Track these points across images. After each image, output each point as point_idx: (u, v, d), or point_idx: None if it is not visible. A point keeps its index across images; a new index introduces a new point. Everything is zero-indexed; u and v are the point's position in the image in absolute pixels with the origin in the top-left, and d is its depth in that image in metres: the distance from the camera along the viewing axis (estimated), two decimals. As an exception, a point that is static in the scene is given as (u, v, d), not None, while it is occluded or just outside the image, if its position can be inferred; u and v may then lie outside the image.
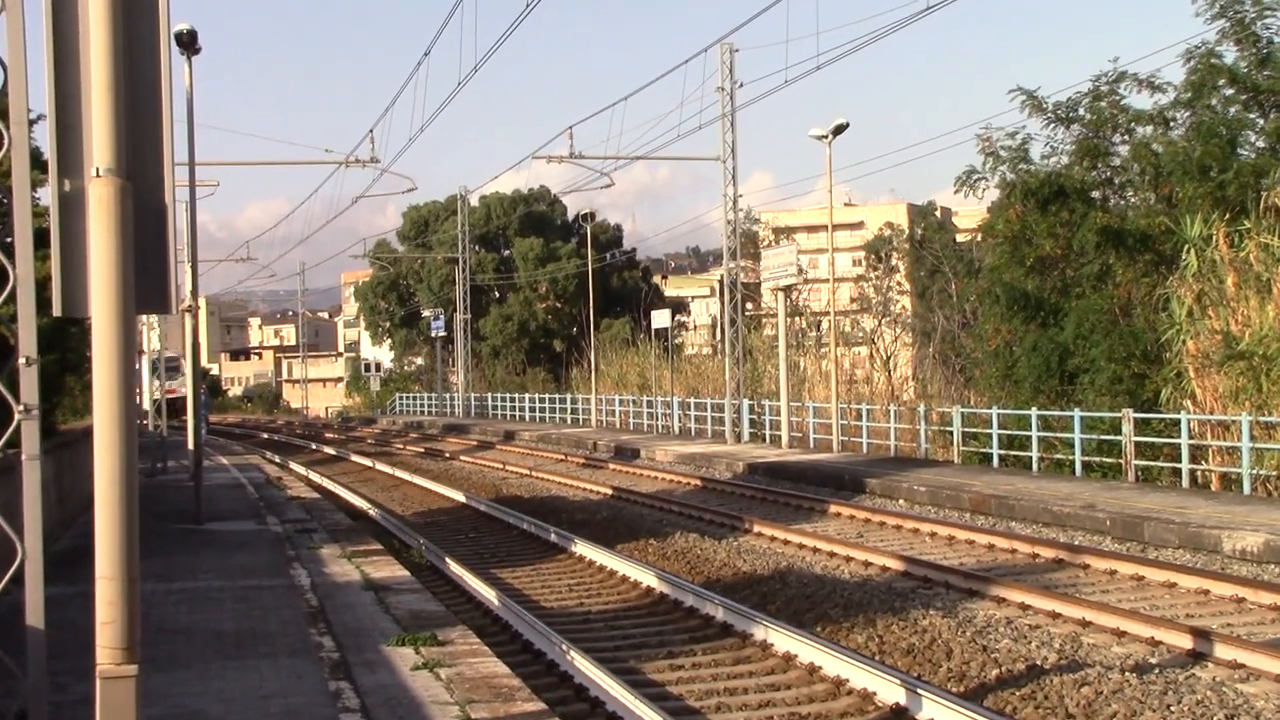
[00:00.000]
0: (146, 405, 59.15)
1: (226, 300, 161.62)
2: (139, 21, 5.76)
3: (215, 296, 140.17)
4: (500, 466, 41.53)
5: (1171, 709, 11.47)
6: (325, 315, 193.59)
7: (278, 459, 48.70)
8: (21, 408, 8.15)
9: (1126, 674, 12.58)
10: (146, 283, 5.76)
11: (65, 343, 19.43)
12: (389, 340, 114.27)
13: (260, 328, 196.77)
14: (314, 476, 40.23)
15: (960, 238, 75.28)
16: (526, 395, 74.93)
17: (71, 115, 5.74)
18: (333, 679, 11.42)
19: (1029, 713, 11.75)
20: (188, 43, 25.60)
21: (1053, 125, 34.31)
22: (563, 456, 45.49)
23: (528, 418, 70.65)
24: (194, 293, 30.38)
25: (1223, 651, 13.02)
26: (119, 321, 5.49)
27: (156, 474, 36.73)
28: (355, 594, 16.24)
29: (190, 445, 28.75)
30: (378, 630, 13.70)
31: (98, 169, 5.50)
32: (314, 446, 58.96)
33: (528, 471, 39.19)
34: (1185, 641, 13.49)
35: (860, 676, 12.50)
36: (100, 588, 5.51)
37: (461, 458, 46.84)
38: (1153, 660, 13.18)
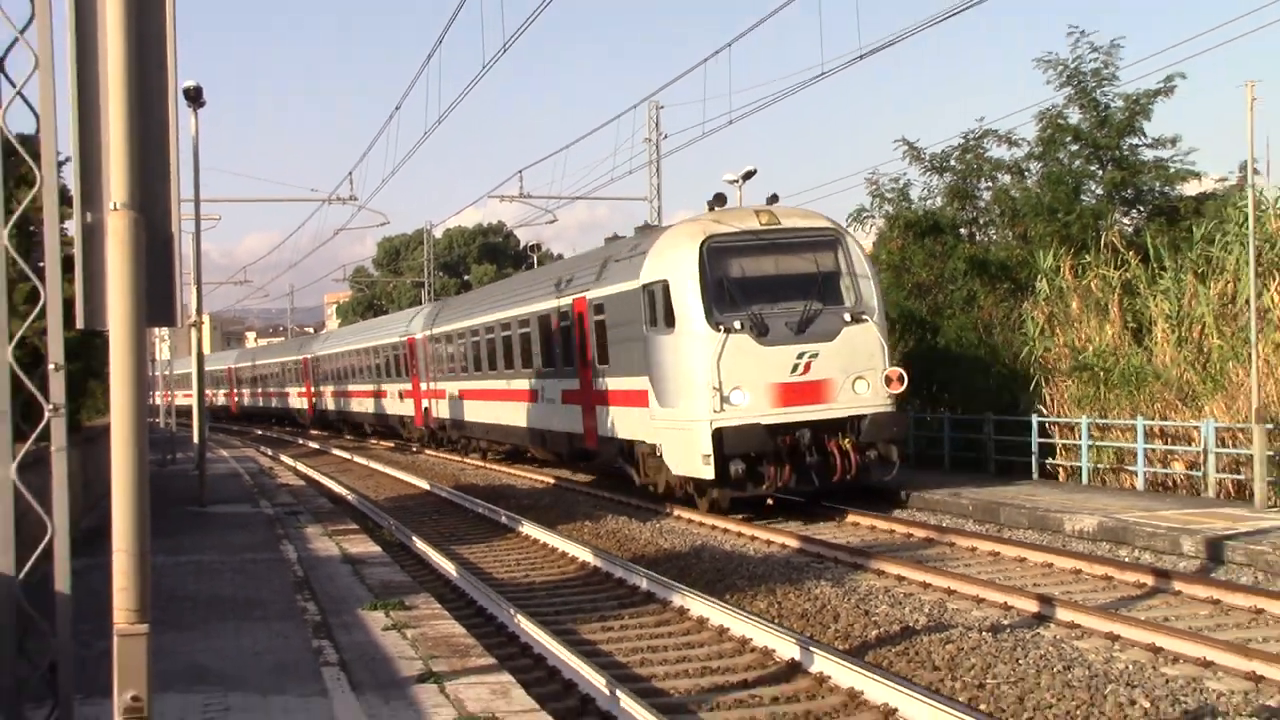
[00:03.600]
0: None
1: (226, 316, 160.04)
2: (151, 77, 5.79)
3: (217, 313, 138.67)
4: (460, 460, 41.42)
5: (1020, 662, 11.65)
6: (310, 330, 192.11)
7: (270, 452, 48.37)
8: (51, 407, 8.14)
9: (983, 633, 12.76)
10: (156, 301, 5.78)
11: (90, 352, 19.25)
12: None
13: (255, 340, 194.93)
14: (301, 467, 40.01)
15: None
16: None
17: (93, 158, 5.77)
18: (315, 638, 11.44)
19: (902, 666, 11.90)
20: (194, 97, 25.66)
21: (929, 172, 34.69)
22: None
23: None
24: (198, 310, 30.22)
25: (1062, 614, 13.23)
26: (132, 334, 5.52)
27: (167, 464, 36.46)
28: (335, 566, 16.25)
29: (195, 439, 28.66)
30: (354, 597, 13.73)
31: (115, 204, 5.53)
32: (301, 442, 58.46)
33: (482, 466, 39.09)
34: (1032, 606, 13.70)
35: (761, 636, 12.61)
36: (116, 560, 5.53)
37: (426, 452, 46.65)
38: (1005, 622, 13.36)
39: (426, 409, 42.41)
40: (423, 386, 42.67)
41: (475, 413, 36.84)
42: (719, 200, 23.88)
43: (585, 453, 28.39)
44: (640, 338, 22.68)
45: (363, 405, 52.65)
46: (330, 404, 59.35)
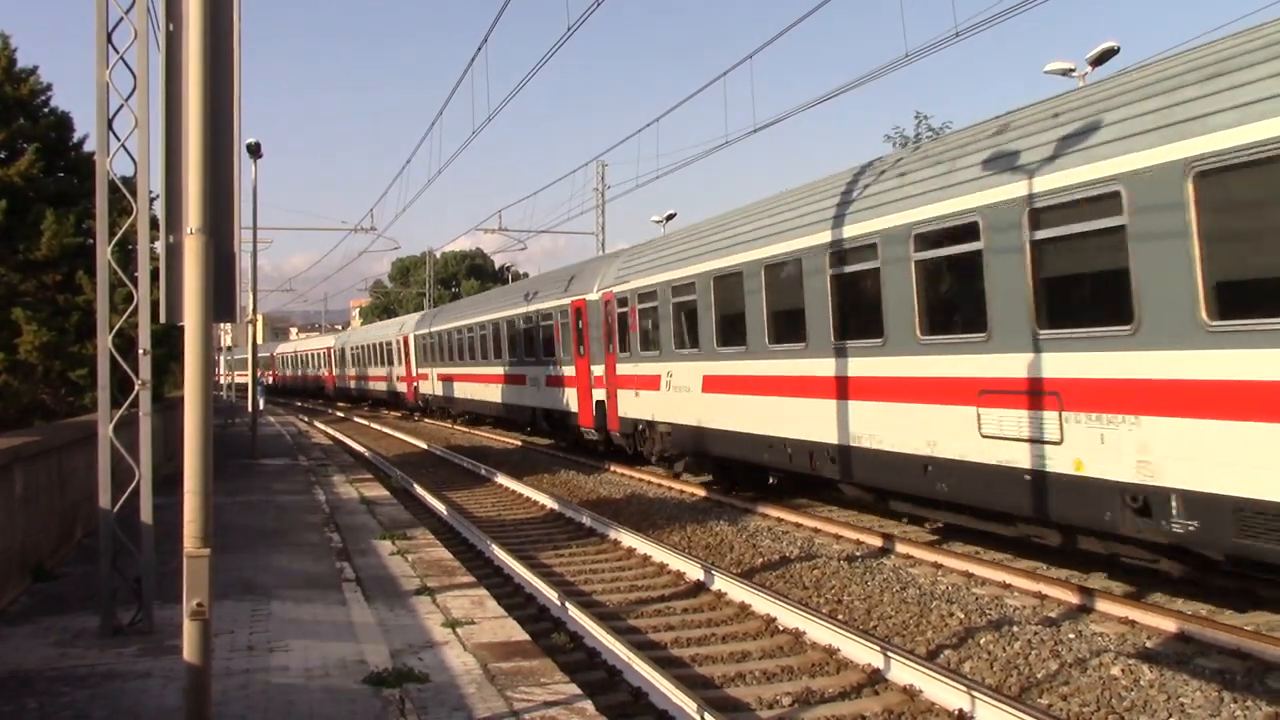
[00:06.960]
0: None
1: (276, 315, 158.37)
2: (222, 135, 5.78)
3: (268, 313, 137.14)
4: (450, 426, 41.24)
5: (869, 583, 11.82)
6: (339, 328, 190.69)
7: (306, 419, 47.87)
8: (140, 382, 8.08)
9: (841, 562, 12.92)
10: (221, 302, 5.77)
11: (172, 340, 19.08)
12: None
13: (297, 335, 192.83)
14: (330, 431, 39.65)
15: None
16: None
17: (175, 194, 5.79)
18: (338, 560, 11.41)
19: (780, 586, 12.02)
20: (253, 150, 25.52)
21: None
22: (493, 423, 45.18)
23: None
24: (254, 310, 30.00)
25: (900, 548, 13.40)
26: (202, 327, 5.52)
27: (228, 426, 36.13)
28: (354, 506, 16.17)
29: (250, 408, 28.48)
30: (368, 530, 13.68)
31: (191, 229, 5.53)
32: (330, 412, 57.90)
33: (468, 430, 38.96)
34: (878, 542, 13.87)
35: (676, 562, 12.72)
36: (186, 498, 5.53)
37: (426, 421, 46.38)
38: (858, 553, 13.49)
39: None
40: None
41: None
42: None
43: None
44: None
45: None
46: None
